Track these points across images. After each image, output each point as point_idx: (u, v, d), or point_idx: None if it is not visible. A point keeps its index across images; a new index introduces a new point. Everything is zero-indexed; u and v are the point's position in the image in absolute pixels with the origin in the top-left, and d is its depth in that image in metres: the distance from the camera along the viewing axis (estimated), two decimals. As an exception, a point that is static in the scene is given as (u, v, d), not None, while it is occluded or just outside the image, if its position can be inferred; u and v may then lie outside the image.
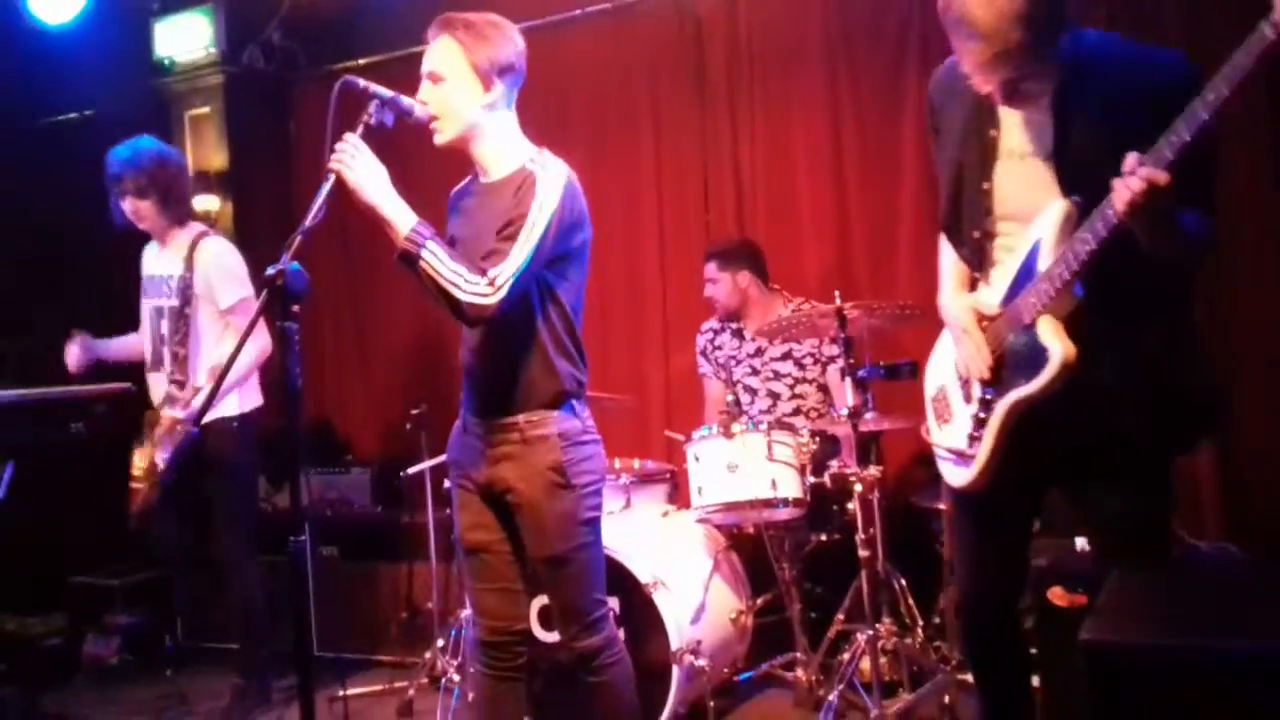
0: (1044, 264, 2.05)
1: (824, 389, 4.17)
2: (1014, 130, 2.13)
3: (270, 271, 2.09)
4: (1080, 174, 2.02)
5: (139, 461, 3.74)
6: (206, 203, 5.45)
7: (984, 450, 2.18)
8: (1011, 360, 2.13)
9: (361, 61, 5.05)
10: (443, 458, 3.61)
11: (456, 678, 3.75)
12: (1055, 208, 2.05)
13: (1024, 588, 2.49)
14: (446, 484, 3.76)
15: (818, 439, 3.68)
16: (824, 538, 3.80)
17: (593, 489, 2.60)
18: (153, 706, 4.13)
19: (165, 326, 3.83)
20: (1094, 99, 2.02)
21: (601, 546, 2.68)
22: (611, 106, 4.92)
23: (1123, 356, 2.07)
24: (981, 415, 2.19)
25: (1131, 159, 1.84)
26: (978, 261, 2.23)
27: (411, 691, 3.89)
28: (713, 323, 4.35)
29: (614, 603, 3.46)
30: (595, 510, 2.62)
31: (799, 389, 4.16)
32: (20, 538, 4.39)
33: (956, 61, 2.10)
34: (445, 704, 3.71)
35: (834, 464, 3.63)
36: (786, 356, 4.18)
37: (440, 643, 3.92)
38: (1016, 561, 2.40)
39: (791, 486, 3.54)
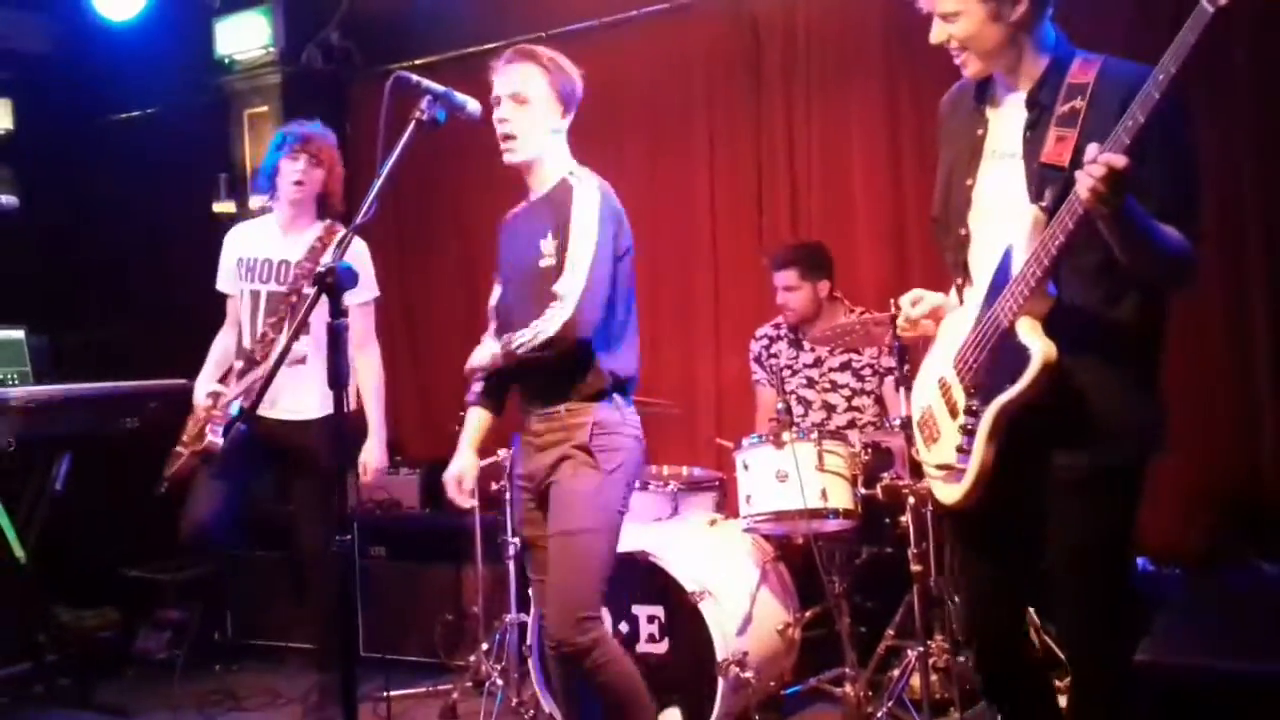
0: (1017, 268, 2.06)
1: (881, 402, 4.09)
2: (997, 129, 2.18)
3: (320, 269, 2.10)
4: (1048, 175, 2.04)
5: (190, 428, 3.70)
6: (263, 201, 5.51)
7: (974, 461, 2.10)
8: (995, 366, 2.09)
9: (418, 62, 5.06)
10: (490, 460, 3.63)
11: (500, 682, 3.74)
12: (1025, 214, 2.06)
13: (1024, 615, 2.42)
14: (494, 486, 3.78)
15: (870, 450, 3.60)
16: (875, 551, 3.73)
17: (619, 478, 2.70)
18: (201, 701, 4.15)
19: (262, 312, 3.67)
20: (1065, 102, 2.05)
21: (614, 546, 2.73)
22: (667, 106, 4.88)
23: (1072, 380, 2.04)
24: (969, 426, 2.12)
25: (1092, 148, 1.85)
26: (962, 262, 2.23)
27: (455, 694, 3.88)
28: (768, 329, 4.28)
29: (659, 611, 3.44)
30: (617, 502, 2.72)
31: (856, 401, 4.09)
32: (75, 530, 4.46)
33: (960, 84, 2.26)
34: (489, 708, 3.69)
35: (886, 476, 3.55)
36: (845, 367, 4.11)
37: (485, 646, 3.91)
38: (1018, 586, 2.31)
39: (842, 497, 3.47)
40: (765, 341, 4.27)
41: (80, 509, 4.44)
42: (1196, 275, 2.03)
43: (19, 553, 4.10)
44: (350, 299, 3.56)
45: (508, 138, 2.71)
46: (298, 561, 3.76)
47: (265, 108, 5.42)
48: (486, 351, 2.81)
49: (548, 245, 2.72)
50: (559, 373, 2.71)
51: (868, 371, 4.08)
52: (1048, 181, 2.04)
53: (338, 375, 2.14)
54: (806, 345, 4.15)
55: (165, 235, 5.62)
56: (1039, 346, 2.00)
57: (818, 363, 4.14)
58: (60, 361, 4.62)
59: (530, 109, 2.70)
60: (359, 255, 3.70)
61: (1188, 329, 3.84)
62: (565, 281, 2.63)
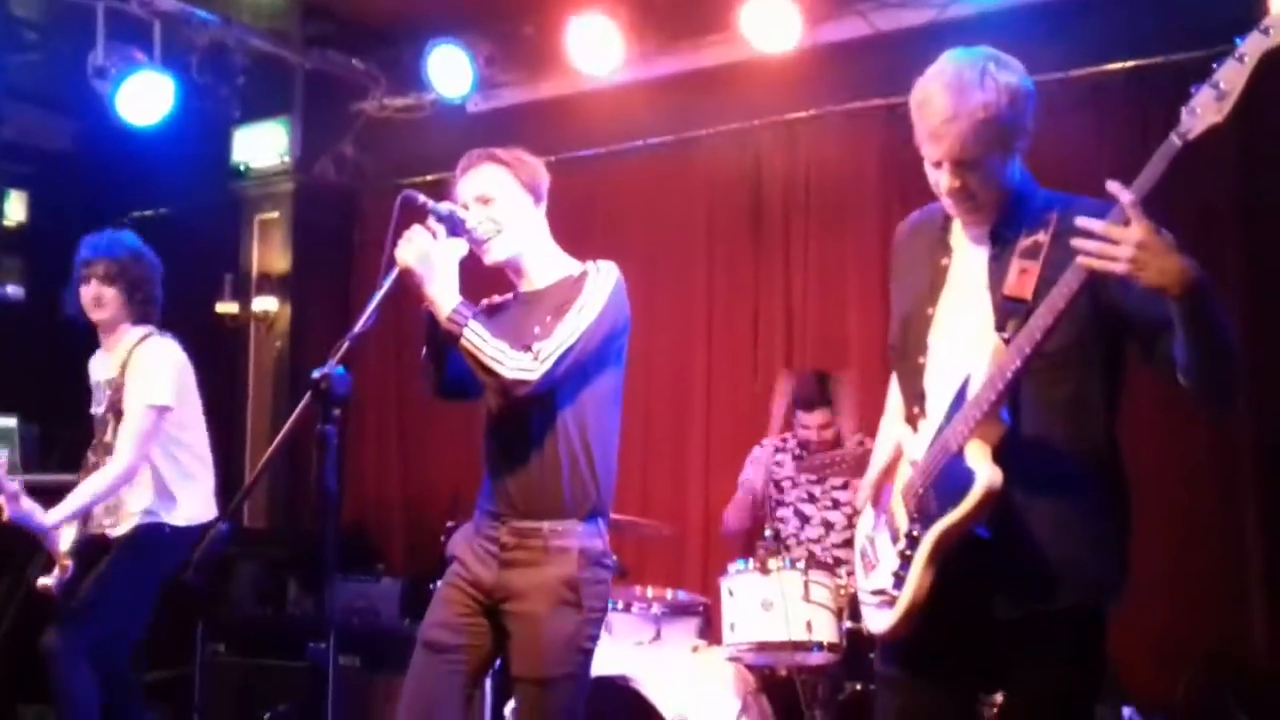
0: (972, 394, 2.00)
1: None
2: (961, 260, 2.14)
3: (315, 375, 2.11)
4: (1010, 308, 2.00)
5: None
6: (265, 304, 5.59)
7: (908, 588, 2.01)
8: (939, 491, 2.01)
9: (429, 177, 5.20)
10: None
11: (468, 806, 3.62)
12: (986, 344, 2.01)
13: None
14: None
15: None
16: (859, 687, 3.65)
17: (597, 617, 2.52)
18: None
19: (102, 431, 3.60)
20: (1029, 235, 2.03)
21: (588, 681, 2.56)
22: (667, 235, 5.00)
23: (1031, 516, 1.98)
24: (908, 552, 2.05)
25: (1081, 222, 1.81)
26: (919, 390, 2.16)
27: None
28: (775, 440, 4.28)
29: (636, 739, 3.35)
30: (593, 641, 2.52)
31: (856, 521, 4.05)
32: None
33: (921, 213, 2.23)
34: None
35: (873, 610, 3.51)
36: (846, 486, 4.10)
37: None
38: None
39: (827, 630, 3.43)
40: (771, 450, 4.24)
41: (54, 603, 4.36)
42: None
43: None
44: (139, 400, 3.40)
45: (485, 239, 2.53)
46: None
47: (276, 213, 5.56)
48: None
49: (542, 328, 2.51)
50: (546, 484, 2.47)
51: None
52: (1010, 314, 2.00)
53: (324, 485, 2.12)
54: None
55: (168, 332, 5.67)
56: (984, 471, 1.92)
57: (821, 480, 4.14)
58: (51, 452, 4.61)
59: (498, 205, 2.55)
60: (155, 355, 3.56)
61: (1173, 472, 3.88)
62: (547, 341, 2.41)
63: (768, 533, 3.86)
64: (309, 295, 5.56)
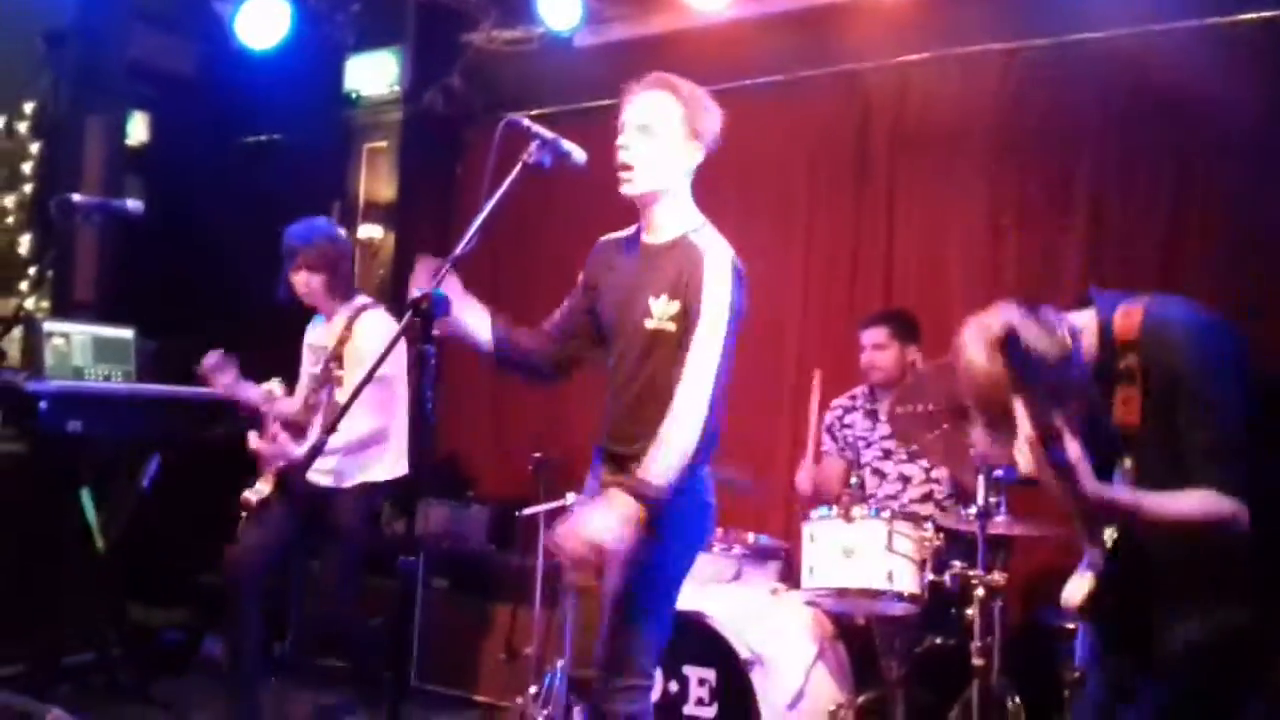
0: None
1: (958, 482, 4.01)
2: None
3: (416, 294, 2.15)
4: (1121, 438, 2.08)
5: (242, 498, 3.82)
6: (371, 231, 5.70)
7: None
8: None
9: (535, 112, 5.19)
10: (558, 503, 3.66)
11: (544, 727, 3.72)
12: None
13: None
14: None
15: (943, 535, 3.53)
16: (938, 641, 3.63)
17: (686, 546, 2.55)
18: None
19: (304, 391, 3.91)
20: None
21: (673, 615, 2.59)
22: (769, 175, 4.93)
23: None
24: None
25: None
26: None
27: (499, 734, 3.87)
28: (844, 400, 4.23)
29: (710, 675, 3.40)
30: (682, 571, 2.56)
31: (935, 473, 4.00)
32: (158, 531, 4.59)
33: None
34: (530, 751, 3.68)
35: (957, 564, 3.47)
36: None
37: (534, 690, 3.90)
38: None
39: (908, 581, 3.41)
40: (839, 412, 4.22)
41: (165, 511, 4.57)
42: (1240, 523, 1.96)
43: (99, 543, 4.24)
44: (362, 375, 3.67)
45: (625, 167, 2.50)
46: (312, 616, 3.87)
47: (385, 143, 5.64)
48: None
49: (660, 306, 2.52)
50: (652, 419, 2.44)
51: None
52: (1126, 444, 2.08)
53: (422, 404, 2.17)
54: (882, 416, 4.08)
55: (275, 255, 5.83)
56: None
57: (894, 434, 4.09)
58: (163, 365, 4.80)
59: (657, 140, 2.49)
60: (377, 327, 3.77)
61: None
62: (686, 392, 2.40)
63: (853, 480, 3.83)
64: (413, 224, 5.64)
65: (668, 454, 2.37)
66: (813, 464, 4.02)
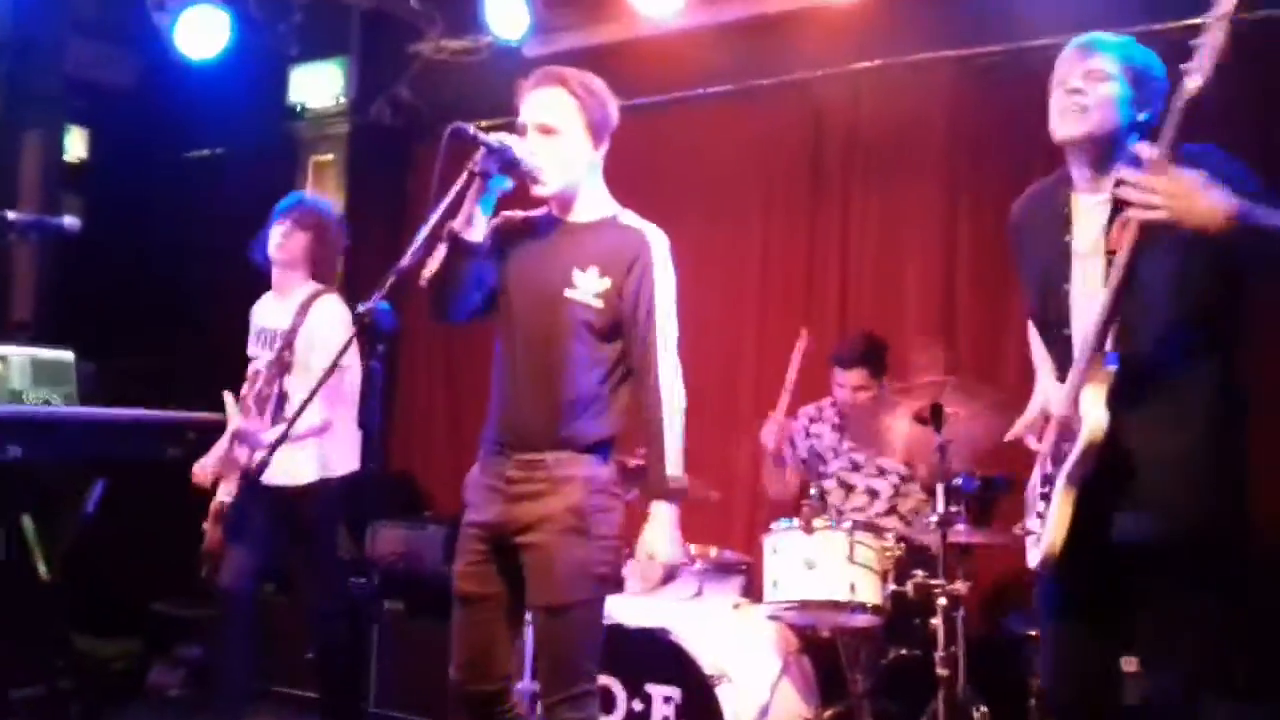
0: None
1: (931, 493, 3.98)
2: (1082, 232, 2.30)
3: (360, 309, 2.09)
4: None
5: (213, 505, 3.70)
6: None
7: (1049, 526, 2.22)
8: (1068, 437, 2.23)
9: (484, 123, 5.11)
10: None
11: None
12: (1097, 300, 2.16)
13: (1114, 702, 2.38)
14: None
15: (904, 546, 3.50)
16: (903, 652, 3.60)
17: (609, 544, 2.49)
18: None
19: (261, 378, 3.69)
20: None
21: (603, 612, 2.53)
22: (723, 185, 4.90)
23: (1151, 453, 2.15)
24: (1046, 493, 2.29)
25: (1122, 173, 2.08)
26: (1065, 360, 2.32)
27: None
28: (811, 409, 4.19)
29: (675, 693, 3.34)
30: (607, 567, 2.50)
31: (904, 488, 3.98)
32: (105, 558, 4.45)
33: (1036, 187, 2.47)
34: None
35: (919, 574, 3.44)
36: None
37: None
38: (1102, 666, 2.32)
39: (871, 592, 3.37)
40: (806, 421, 4.18)
41: (111, 537, 4.43)
42: None
43: (43, 572, 4.10)
44: (318, 363, 3.40)
45: (536, 171, 2.48)
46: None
47: (331, 156, 5.54)
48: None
49: (586, 280, 2.46)
50: (558, 417, 2.44)
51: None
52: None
53: (367, 420, 2.12)
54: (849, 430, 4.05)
55: (220, 272, 5.70)
56: (1088, 416, 2.12)
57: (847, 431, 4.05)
58: (105, 386, 4.67)
59: (559, 139, 2.48)
60: (334, 315, 3.61)
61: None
62: (666, 381, 2.50)
63: (813, 492, 3.80)
64: (361, 239, 5.51)
65: (673, 447, 2.49)
66: (782, 417, 3.99)
